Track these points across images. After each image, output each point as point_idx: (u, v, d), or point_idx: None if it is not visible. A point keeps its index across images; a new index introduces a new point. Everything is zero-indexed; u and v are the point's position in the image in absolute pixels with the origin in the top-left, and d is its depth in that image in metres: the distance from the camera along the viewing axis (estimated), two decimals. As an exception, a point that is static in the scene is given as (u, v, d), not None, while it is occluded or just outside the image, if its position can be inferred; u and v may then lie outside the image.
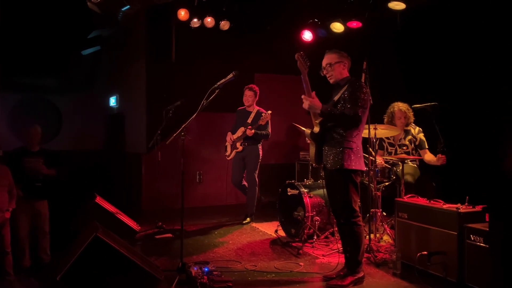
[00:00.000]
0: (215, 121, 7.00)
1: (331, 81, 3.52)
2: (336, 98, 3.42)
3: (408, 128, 4.91)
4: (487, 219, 3.42)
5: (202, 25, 6.47)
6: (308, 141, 3.61)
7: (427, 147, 4.78)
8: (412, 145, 4.87)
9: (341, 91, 3.40)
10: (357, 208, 3.39)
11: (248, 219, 5.67)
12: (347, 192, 3.34)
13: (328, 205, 4.64)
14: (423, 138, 4.82)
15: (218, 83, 3.50)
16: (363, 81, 4.28)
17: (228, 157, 5.78)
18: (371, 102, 4.32)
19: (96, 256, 2.95)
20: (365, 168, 3.54)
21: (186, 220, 3.90)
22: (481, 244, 3.12)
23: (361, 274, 3.40)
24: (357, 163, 3.35)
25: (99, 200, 4.68)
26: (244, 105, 5.75)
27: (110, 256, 2.99)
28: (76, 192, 5.12)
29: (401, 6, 5.34)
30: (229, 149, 5.77)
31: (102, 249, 2.97)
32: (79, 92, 8.32)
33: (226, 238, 4.90)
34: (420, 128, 4.88)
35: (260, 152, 5.69)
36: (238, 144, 5.63)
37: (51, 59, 7.22)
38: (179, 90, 6.22)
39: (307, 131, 3.55)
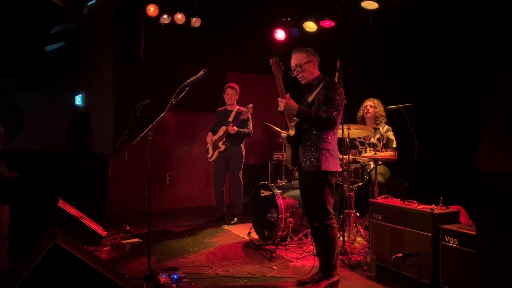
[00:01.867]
0: (186, 120, 6.83)
1: (302, 82, 3.43)
2: (310, 99, 3.32)
3: (378, 126, 4.90)
4: (460, 220, 3.42)
5: (172, 22, 6.28)
6: (284, 143, 3.50)
7: (394, 146, 4.77)
8: (381, 144, 4.87)
9: (315, 92, 3.31)
10: (332, 210, 3.31)
11: (235, 219, 5.60)
12: (323, 193, 3.26)
13: (301, 207, 4.56)
14: (391, 137, 4.81)
15: (188, 81, 3.34)
16: (336, 80, 4.24)
17: (210, 159, 5.64)
18: (345, 102, 4.28)
19: (56, 265, 2.75)
20: (340, 169, 3.46)
21: (155, 223, 3.72)
22: (456, 246, 3.09)
23: (335, 278, 3.33)
24: (333, 164, 3.28)
25: (62, 204, 4.42)
26: (223, 106, 5.68)
27: (71, 265, 2.79)
28: (38, 195, 4.86)
29: (374, 5, 5.32)
30: (210, 150, 5.64)
31: (62, 257, 2.77)
32: (42, 90, 7.94)
33: (197, 242, 4.74)
34: (390, 127, 4.87)
35: (243, 152, 5.59)
36: (220, 144, 5.52)
37: (11, 55, 6.85)
38: (148, 89, 6.02)
39: (283, 134, 3.45)
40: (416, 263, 3.34)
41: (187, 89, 3.33)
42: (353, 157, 4.76)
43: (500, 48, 4.09)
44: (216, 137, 5.57)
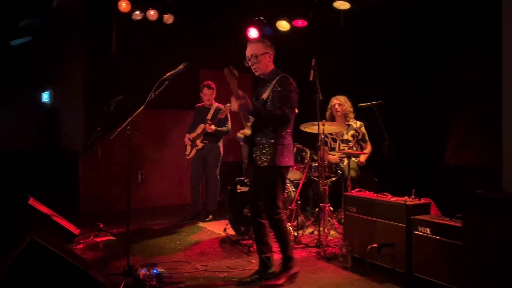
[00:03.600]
0: (158, 118, 6.75)
1: (256, 73, 3.38)
2: (265, 96, 3.30)
3: (350, 123, 5.03)
4: (431, 212, 3.57)
5: (145, 18, 6.22)
6: (241, 143, 3.52)
7: (368, 140, 4.94)
8: (355, 140, 5.01)
9: (270, 88, 3.28)
10: (281, 205, 3.31)
11: (210, 216, 5.59)
12: (275, 188, 3.26)
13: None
14: (365, 132, 4.97)
15: (168, 74, 3.33)
16: (311, 78, 4.33)
17: (188, 156, 5.60)
18: (321, 98, 4.38)
19: (33, 261, 2.68)
20: (292, 164, 3.46)
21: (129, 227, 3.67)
22: (428, 235, 3.22)
23: (295, 270, 3.32)
24: (288, 159, 3.30)
25: (32, 202, 4.29)
26: (196, 103, 5.66)
27: (49, 261, 2.73)
28: (6, 194, 4.69)
29: (345, 5, 5.46)
30: (188, 148, 5.60)
31: (39, 253, 2.70)
32: (7, 87, 7.64)
33: (173, 239, 4.71)
34: (362, 123, 5.03)
35: (221, 150, 5.59)
36: (198, 142, 5.49)
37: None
38: (121, 85, 5.90)
39: (239, 134, 3.45)
40: (390, 253, 3.45)
41: (166, 83, 3.32)
42: (339, 153, 4.85)
43: (466, 51, 4.29)
44: (194, 135, 5.53)
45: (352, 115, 5.08)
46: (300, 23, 6.25)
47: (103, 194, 6.16)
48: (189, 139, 5.57)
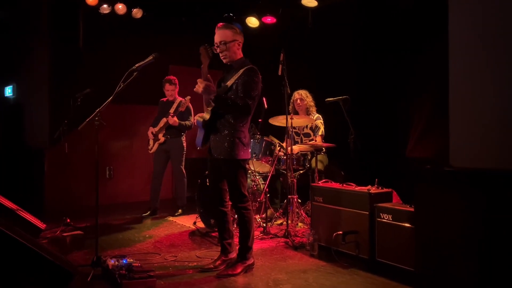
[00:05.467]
0: (126, 113, 6.69)
1: (224, 61, 3.37)
2: (229, 83, 3.31)
3: (310, 116, 5.17)
4: (393, 200, 3.73)
5: (113, 12, 6.16)
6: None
7: (319, 133, 5.07)
8: (313, 133, 5.15)
9: (235, 77, 3.29)
10: (246, 193, 3.37)
11: (180, 210, 5.59)
12: (237, 179, 3.29)
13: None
14: (319, 125, 5.10)
15: (137, 65, 3.32)
16: (280, 72, 4.43)
17: (150, 151, 5.57)
18: (289, 92, 4.48)
19: (-1, 252, 2.64)
20: (250, 157, 3.49)
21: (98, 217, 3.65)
22: (390, 221, 3.37)
23: (251, 261, 3.38)
24: (246, 152, 3.34)
25: (-5, 196, 4.19)
26: (165, 98, 5.65)
27: (16, 252, 2.69)
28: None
29: (313, 3, 5.60)
30: (151, 142, 5.57)
31: (5, 244, 2.66)
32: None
33: (142, 233, 4.70)
34: (320, 116, 5.16)
35: (184, 144, 5.58)
36: (160, 136, 5.46)
37: None
38: (88, 78, 5.83)
39: (198, 118, 3.40)
40: (355, 240, 3.59)
41: (135, 73, 3.32)
42: (305, 146, 4.97)
43: (428, 49, 4.49)
44: (156, 129, 5.51)
45: (313, 109, 5.21)
46: (269, 19, 6.36)
47: (70, 190, 6.05)
48: (152, 132, 5.53)
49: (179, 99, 5.58)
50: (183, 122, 5.45)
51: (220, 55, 3.35)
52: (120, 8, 6.18)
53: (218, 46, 3.31)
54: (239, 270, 3.29)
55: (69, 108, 5.00)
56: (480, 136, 1.93)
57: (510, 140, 1.83)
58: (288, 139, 4.57)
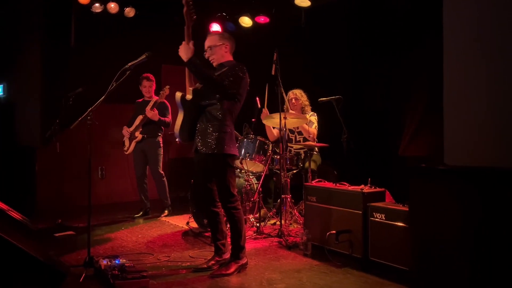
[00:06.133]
0: (118, 112, 6.63)
1: (214, 64, 3.41)
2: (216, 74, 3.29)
3: (305, 115, 5.16)
4: (386, 200, 3.75)
5: (105, 11, 6.12)
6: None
7: (314, 127, 5.05)
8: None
9: (223, 70, 3.29)
10: (235, 193, 3.35)
11: (166, 211, 5.54)
12: (226, 177, 3.27)
13: (240, 193, 4.69)
14: (313, 120, 5.10)
15: (130, 64, 3.31)
16: (273, 72, 4.43)
17: (127, 152, 5.49)
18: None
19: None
20: (238, 154, 3.47)
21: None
22: (383, 221, 3.38)
23: (244, 260, 3.36)
24: (233, 148, 3.31)
25: (-14, 196, 4.14)
26: (143, 97, 5.56)
27: (6, 252, 2.66)
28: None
29: (306, 3, 5.61)
30: (127, 142, 5.48)
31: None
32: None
33: (135, 233, 4.68)
34: (314, 113, 5.17)
35: (161, 144, 5.51)
36: (137, 133, 5.38)
37: None
38: (81, 77, 5.78)
39: (178, 94, 3.35)
40: (348, 239, 3.60)
41: (128, 72, 3.30)
42: (298, 146, 4.98)
43: (422, 47, 4.51)
44: (132, 127, 5.42)
45: (308, 108, 5.21)
46: (263, 19, 6.36)
47: (62, 190, 5.99)
48: (127, 131, 5.43)
49: (155, 97, 5.46)
50: (163, 118, 5.33)
51: (209, 59, 3.39)
52: (113, 7, 6.13)
53: (206, 51, 3.37)
54: (232, 269, 3.28)
55: (61, 108, 4.96)
56: (474, 135, 1.94)
57: (504, 138, 1.85)
58: (282, 139, 4.57)
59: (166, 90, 5.25)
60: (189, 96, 3.29)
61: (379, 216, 3.42)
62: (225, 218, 3.49)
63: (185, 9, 3.14)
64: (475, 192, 1.90)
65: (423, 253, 2.14)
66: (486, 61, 1.90)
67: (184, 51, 3.16)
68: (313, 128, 5.05)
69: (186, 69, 3.29)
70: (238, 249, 3.34)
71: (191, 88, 3.28)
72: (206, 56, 3.38)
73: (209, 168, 3.33)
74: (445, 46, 2.02)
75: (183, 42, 3.18)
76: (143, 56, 3.35)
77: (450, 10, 1.99)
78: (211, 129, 3.24)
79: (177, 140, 3.46)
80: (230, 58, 3.43)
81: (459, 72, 1.97)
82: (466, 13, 1.95)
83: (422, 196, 2.17)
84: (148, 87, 5.45)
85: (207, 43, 3.37)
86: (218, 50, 3.35)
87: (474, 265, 1.87)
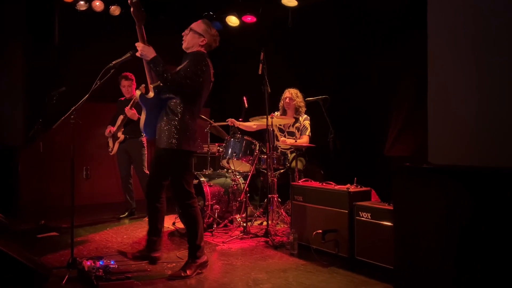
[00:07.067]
0: (103, 112, 6.54)
1: (183, 45, 3.33)
2: (178, 68, 3.28)
3: (298, 116, 5.17)
4: (372, 199, 3.76)
5: (90, 9, 6.04)
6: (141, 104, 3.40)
7: (307, 134, 5.05)
8: (299, 133, 5.15)
9: (184, 63, 3.26)
10: (192, 190, 3.30)
11: None
12: (181, 173, 3.22)
13: (227, 193, 4.68)
14: (307, 126, 5.10)
15: (114, 62, 3.27)
16: (260, 71, 4.42)
17: (111, 153, 5.42)
18: (269, 91, 4.47)
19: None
20: (198, 150, 3.41)
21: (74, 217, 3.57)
22: (369, 220, 3.39)
23: (203, 259, 3.30)
24: (191, 144, 3.24)
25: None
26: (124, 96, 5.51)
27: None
28: None
29: (293, 3, 5.61)
30: (111, 143, 5.42)
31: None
32: None
33: (120, 233, 4.62)
34: (308, 117, 5.16)
35: (145, 144, 5.43)
36: (119, 134, 5.32)
37: None
38: (64, 76, 5.70)
39: (137, 91, 3.35)
40: (334, 238, 3.61)
41: (112, 71, 3.26)
42: (287, 145, 4.98)
43: (407, 47, 4.55)
44: (115, 127, 5.37)
45: (303, 110, 5.19)
46: (250, 19, 6.35)
47: (45, 190, 5.88)
48: (110, 131, 5.36)
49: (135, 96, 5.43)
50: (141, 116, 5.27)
51: (183, 38, 3.33)
52: (98, 5, 6.07)
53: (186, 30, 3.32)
54: (190, 271, 3.21)
55: (44, 107, 4.88)
56: (458, 134, 1.95)
57: (488, 137, 1.86)
58: (269, 138, 4.56)
59: (142, 88, 5.15)
60: (151, 94, 3.27)
61: (365, 215, 3.43)
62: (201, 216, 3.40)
63: (132, 9, 3.09)
64: (458, 191, 1.92)
65: (406, 252, 2.15)
66: (470, 59, 1.91)
67: (147, 50, 3.13)
68: (306, 136, 5.04)
69: (145, 66, 3.24)
70: (195, 249, 3.27)
71: (152, 86, 3.26)
72: (183, 34, 3.33)
73: (164, 163, 3.25)
74: (429, 44, 2.02)
75: (139, 43, 3.16)
76: (128, 55, 3.31)
77: (434, 8, 2.00)
78: (169, 124, 3.18)
79: (144, 136, 3.39)
80: (200, 49, 3.33)
81: (444, 70, 1.98)
82: (451, 9, 1.96)
83: (406, 195, 2.18)
84: (127, 86, 5.38)
85: (194, 25, 3.32)
86: (194, 37, 3.29)
87: (457, 264, 1.89)
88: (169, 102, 3.23)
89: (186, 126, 3.19)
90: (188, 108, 3.21)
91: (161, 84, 3.21)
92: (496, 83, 1.87)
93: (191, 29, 3.30)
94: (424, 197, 2.09)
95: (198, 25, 3.32)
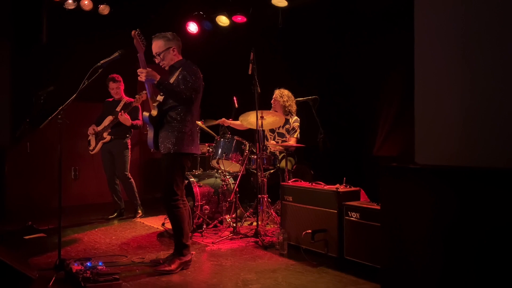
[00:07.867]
0: (91, 111, 6.47)
1: (165, 69, 3.51)
2: (171, 80, 3.40)
3: (288, 117, 5.16)
4: (361, 199, 3.78)
5: (79, 7, 5.98)
6: (145, 131, 3.60)
7: (295, 136, 5.04)
8: (289, 134, 5.15)
9: (176, 74, 3.40)
10: (179, 192, 3.40)
11: (139, 211, 5.44)
12: (172, 174, 3.34)
13: (217, 194, 4.67)
14: (296, 128, 5.08)
15: (102, 62, 3.24)
16: (250, 72, 4.42)
17: (92, 151, 5.34)
18: (259, 91, 4.47)
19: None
20: (198, 152, 3.58)
21: (61, 218, 3.52)
22: (358, 220, 3.40)
23: (188, 258, 3.41)
24: (189, 147, 3.38)
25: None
26: (130, 97, 5.45)
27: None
28: None
29: (283, 3, 5.61)
30: (93, 142, 5.35)
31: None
32: None
33: (108, 234, 4.58)
34: (298, 118, 5.15)
35: (129, 146, 5.39)
36: (105, 134, 5.26)
37: None
38: (52, 75, 5.63)
39: (145, 114, 3.49)
40: (324, 238, 3.61)
41: (100, 70, 3.23)
42: (278, 146, 4.97)
43: (392, 48, 4.57)
44: (100, 127, 5.31)
45: (293, 109, 5.16)
46: (240, 19, 6.33)
47: (33, 191, 5.84)
48: (93, 129, 5.30)
49: (125, 98, 5.36)
50: (134, 122, 5.21)
51: (160, 65, 3.49)
52: (86, 4, 6.02)
53: (155, 57, 3.48)
54: (174, 266, 3.31)
55: (31, 106, 4.81)
56: (445, 133, 1.96)
57: (475, 137, 1.87)
58: (259, 139, 4.55)
59: (143, 95, 5.08)
60: (154, 112, 3.40)
61: (354, 215, 3.44)
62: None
63: (135, 41, 3.24)
64: (444, 191, 1.93)
65: (393, 252, 2.16)
66: (458, 58, 1.91)
67: (151, 75, 3.27)
68: (294, 138, 5.03)
69: (148, 88, 3.38)
70: (180, 246, 3.39)
71: (155, 104, 3.39)
72: (157, 62, 3.47)
73: (165, 166, 3.40)
74: (416, 41, 2.03)
75: (141, 70, 3.28)
76: (116, 54, 3.30)
77: (421, 4, 2.00)
78: (170, 129, 3.35)
79: (151, 150, 3.56)
80: (180, 57, 3.52)
81: (431, 70, 1.98)
82: (438, 7, 1.96)
83: (393, 195, 2.18)
84: (115, 88, 5.34)
85: (154, 49, 3.45)
86: (167, 55, 3.44)
87: (444, 263, 1.90)
88: (170, 112, 3.38)
89: (187, 130, 3.37)
90: (190, 112, 3.40)
91: (162, 100, 3.38)
92: (484, 82, 1.87)
93: (158, 54, 3.44)
94: (410, 197, 2.10)
95: (158, 46, 3.46)
